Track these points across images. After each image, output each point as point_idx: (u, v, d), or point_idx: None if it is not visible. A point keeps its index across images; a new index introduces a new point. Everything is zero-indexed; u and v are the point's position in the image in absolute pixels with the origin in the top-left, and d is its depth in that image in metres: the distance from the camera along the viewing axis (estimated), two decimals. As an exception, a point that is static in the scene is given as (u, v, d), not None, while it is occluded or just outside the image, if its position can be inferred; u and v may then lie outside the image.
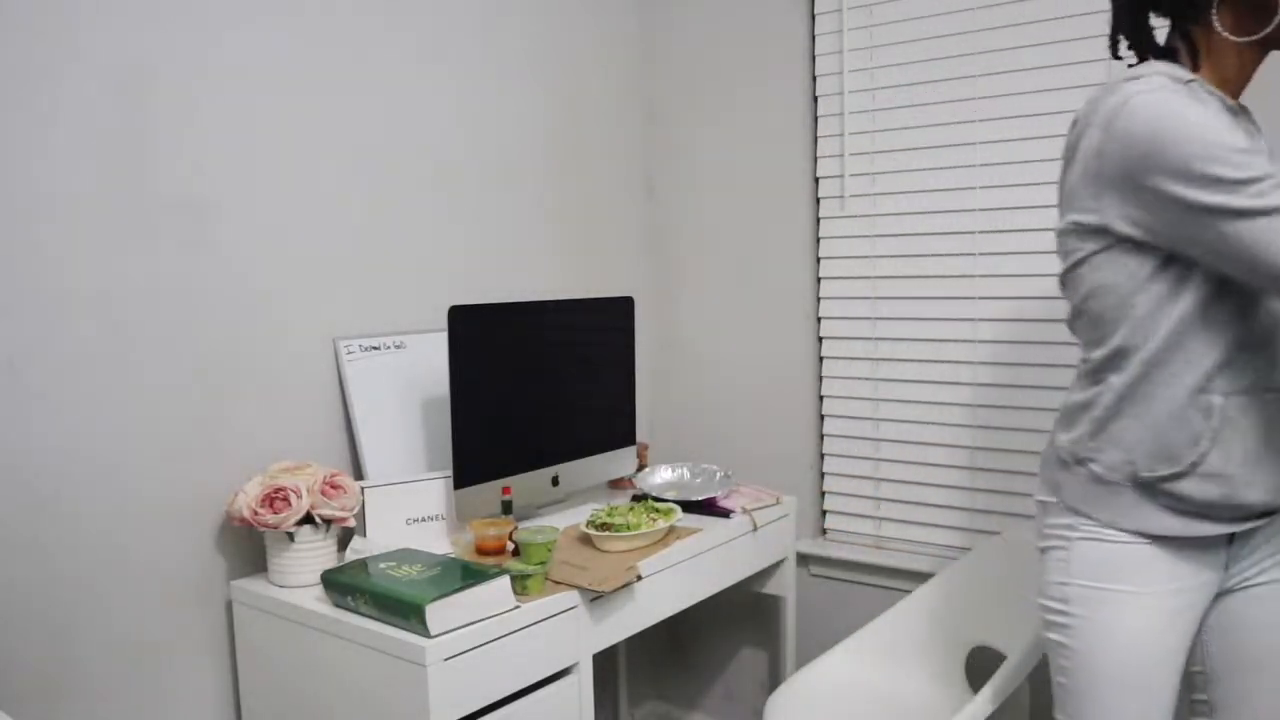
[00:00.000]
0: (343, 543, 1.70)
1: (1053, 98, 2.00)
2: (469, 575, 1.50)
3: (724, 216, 2.46)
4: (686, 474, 2.17)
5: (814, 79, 2.30)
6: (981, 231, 2.11)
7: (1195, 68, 1.26)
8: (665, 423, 2.64)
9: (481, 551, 1.71)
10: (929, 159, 2.15)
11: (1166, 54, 1.27)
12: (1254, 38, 1.21)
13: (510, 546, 1.72)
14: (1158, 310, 1.18)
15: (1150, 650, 1.22)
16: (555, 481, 2.01)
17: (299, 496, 1.59)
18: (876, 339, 2.27)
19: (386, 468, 1.87)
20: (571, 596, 1.61)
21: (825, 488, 2.40)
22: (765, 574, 2.19)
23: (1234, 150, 1.09)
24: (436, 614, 1.40)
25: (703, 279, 2.54)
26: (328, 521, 1.64)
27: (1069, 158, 1.24)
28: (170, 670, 1.63)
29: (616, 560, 1.74)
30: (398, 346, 1.94)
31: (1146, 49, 1.30)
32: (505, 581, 1.51)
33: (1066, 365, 2.03)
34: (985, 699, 1.55)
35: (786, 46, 2.33)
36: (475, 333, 1.81)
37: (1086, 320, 1.26)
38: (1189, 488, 1.18)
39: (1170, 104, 1.13)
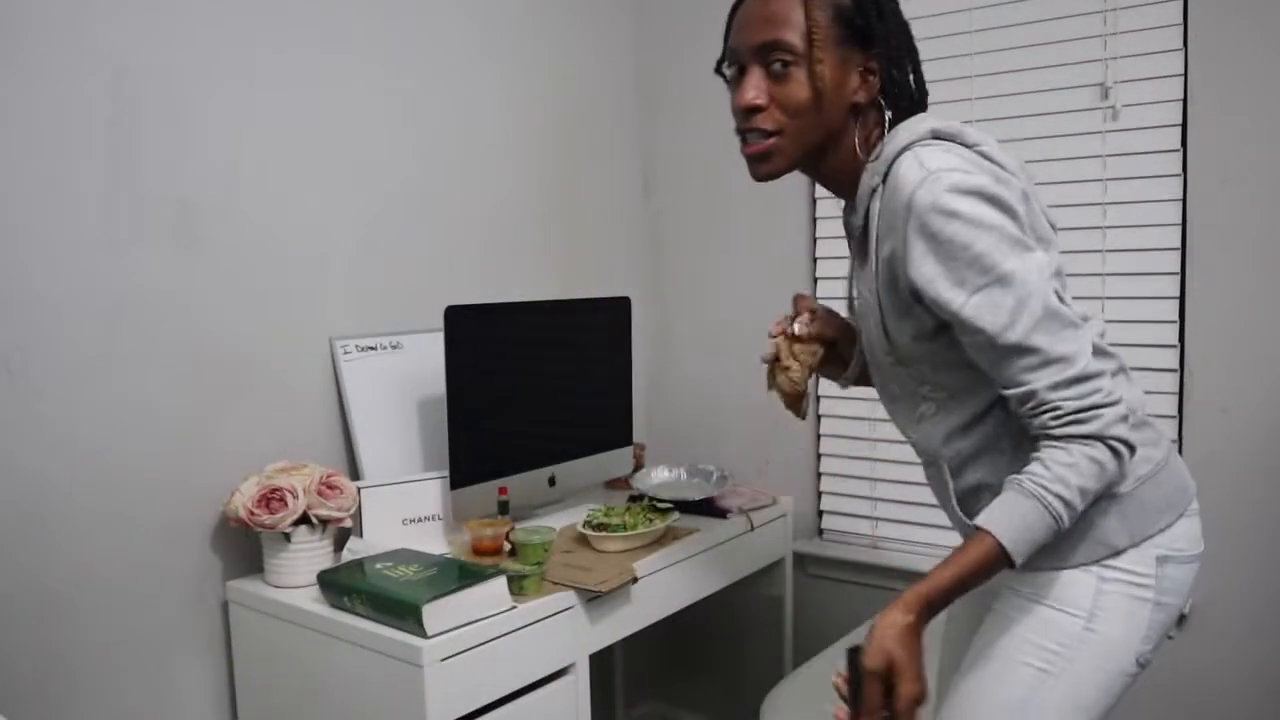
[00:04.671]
0: (339, 543, 1.70)
1: (1050, 98, 2.01)
2: (466, 576, 1.50)
3: (721, 216, 2.46)
4: (683, 474, 2.17)
5: (811, 79, 2.30)
6: (978, 232, 2.10)
7: None
8: (662, 423, 2.63)
9: (478, 552, 1.70)
10: None
11: None
12: None
13: (507, 547, 1.72)
14: None
15: None
16: (552, 482, 2.01)
17: (295, 497, 1.59)
18: (873, 339, 2.27)
19: (383, 468, 1.86)
20: (568, 597, 1.61)
21: (822, 488, 2.40)
22: (762, 574, 2.19)
23: None
24: (433, 614, 1.40)
25: (700, 279, 2.54)
26: (324, 522, 1.63)
27: None
28: (166, 670, 1.62)
29: (614, 560, 1.74)
30: (394, 347, 1.94)
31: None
32: (502, 582, 1.51)
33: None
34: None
35: (783, 47, 2.32)
36: (472, 333, 1.81)
37: None
38: None
39: None
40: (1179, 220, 1.89)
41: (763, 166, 1.19)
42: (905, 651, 1.03)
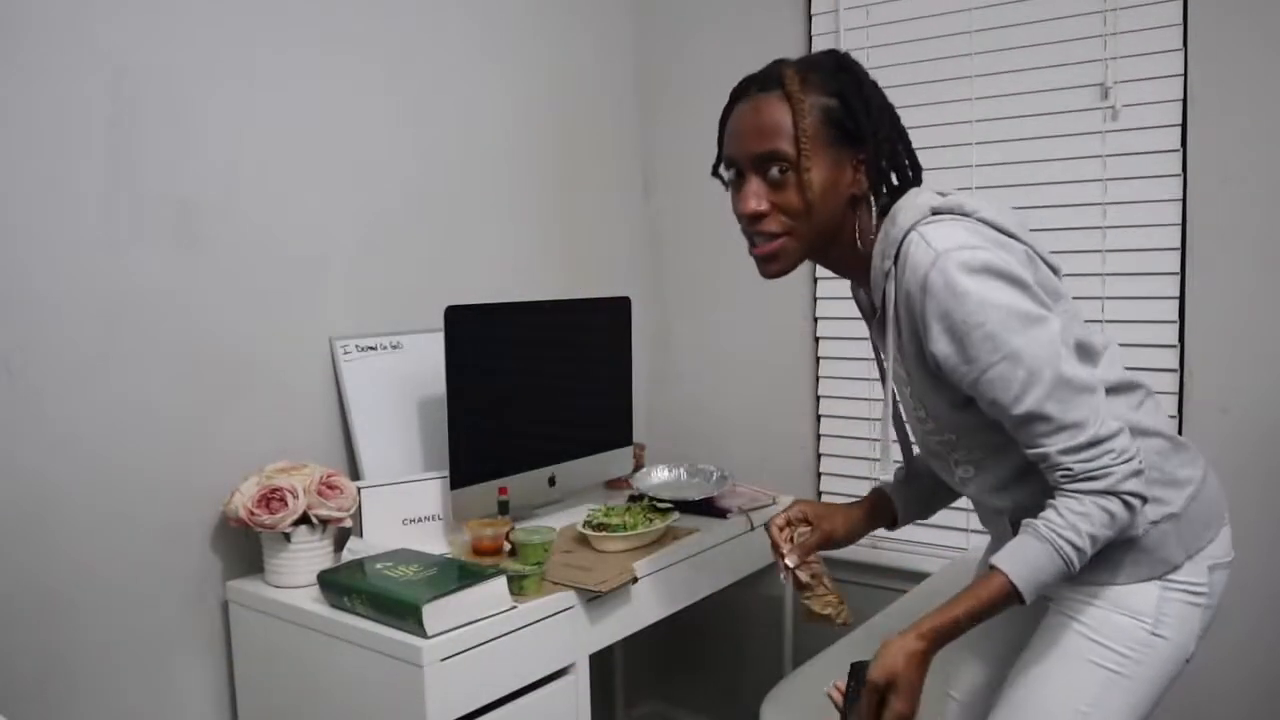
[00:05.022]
0: (339, 543, 1.70)
1: (1050, 98, 2.00)
2: (466, 576, 1.50)
3: (721, 217, 2.44)
4: (683, 474, 2.17)
5: (811, 79, 2.30)
6: (978, 232, 2.11)
7: None
8: (662, 423, 2.63)
9: (478, 552, 1.70)
10: (925, 159, 2.12)
11: None
12: None
13: (507, 547, 1.72)
14: None
15: None
16: (552, 482, 2.01)
17: (295, 497, 1.59)
18: (873, 339, 2.27)
19: (383, 468, 1.86)
20: (568, 597, 1.61)
21: (822, 488, 2.40)
22: (762, 574, 2.18)
23: None
24: (433, 614, 1.40)
25: (700, 279, 2.54)
26: (324, 522, 1.63)
27: None
28: (166, 671, 1.62)
29: (613, 560, 1.73)
30: (394, 346, 1.94)
31: None
32: (502, 582, 1.51)
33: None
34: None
35: (783, 47, 2.31)
36: (472, 333, 1.81)
37: None
38: None
39: None
40: (1179, 220, 1.89)
41: (771, 266, 1.25)
42: (908, 673, 1.12)
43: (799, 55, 1.26)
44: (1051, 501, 1.14)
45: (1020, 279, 1.12)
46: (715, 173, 1.29)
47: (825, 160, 1.18)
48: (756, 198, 1.20)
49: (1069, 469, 1.11)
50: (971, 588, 1.16)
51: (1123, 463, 1.11)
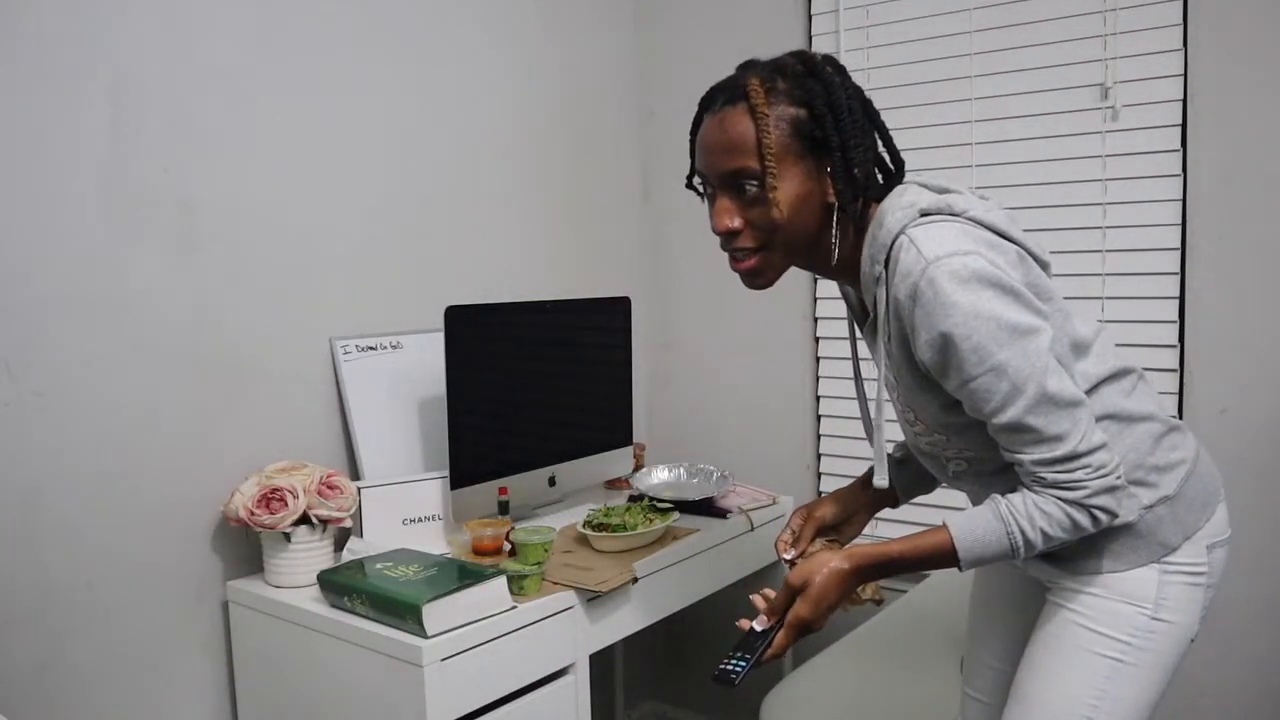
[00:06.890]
0: (339, 543, 1.70)
1: (1050, 98, 2.01)
2: (466, 575, 1.50)
3: (721, 217, 2.46)
4: (683, 474, 2.17)
5: (811, 79, 2.30)
6: (978, 232, 2.10)
7: None
8: (662, 423, 2.63)
9: (478, 552, 1.70)
10: (925, 160, 2.15)
11: None
12: None
13: (507, 547, 1.72)
14: None
15: None
16: (552, 482, 2.01)
17: (295, 497, 1.59)
18: (873, 339, 2.27)
19: (383, 468, 1.87)
20: (568, 597, 1.61)
21: (822, 488, 2.40)
22: (762, 574, 2.18)
23: None
24: (433, 614, 1.40)
25: (700, 279, 2.54)
26: (324, 522, 1.63)
27: None
28: (167, 671, 1.62)
29: (613, 561, 1.74)
30: (394, 347, 1.94)
31: None
32: (502, 582, 1.51)
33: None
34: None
35: (783, 48, 2.32)
36: (472, 333, 1.81)
37: None
38: None
39: None
40: (1179, 220, 1.89)
41: (753, 281, 1.23)
42: (823, 583, 1.17)
43: (767, 58, 1.22)
44: (1023, 486, 1.15)
45: (1011, 287, 1.10)
46: (690, 185, 1.26)
47: (795, 173, 1.15)
48: (729, 215, 1.17)
49: (1042, 478, 1.11)
50: (915, 535, 1.18)
51: (1098, 478, 1.10)
